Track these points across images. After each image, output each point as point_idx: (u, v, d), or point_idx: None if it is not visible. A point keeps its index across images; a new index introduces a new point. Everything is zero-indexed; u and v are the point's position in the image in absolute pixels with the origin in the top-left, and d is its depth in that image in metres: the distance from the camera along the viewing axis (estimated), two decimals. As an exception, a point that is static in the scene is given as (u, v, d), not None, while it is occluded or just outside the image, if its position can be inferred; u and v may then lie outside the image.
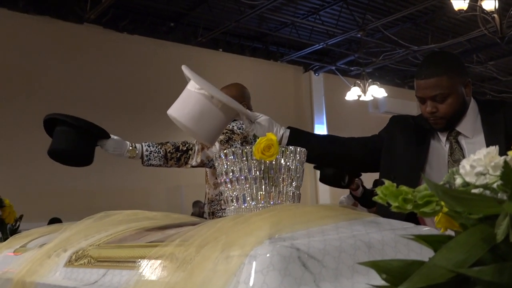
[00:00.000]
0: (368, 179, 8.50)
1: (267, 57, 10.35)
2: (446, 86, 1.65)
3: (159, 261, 0.92)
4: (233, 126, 2.46)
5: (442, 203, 0.57)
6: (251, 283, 0.73)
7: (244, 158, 1.06)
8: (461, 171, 0.54)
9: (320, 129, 10.88)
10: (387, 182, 0.60)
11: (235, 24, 8.58)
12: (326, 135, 1.95)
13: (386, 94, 9.91)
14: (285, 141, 1.76)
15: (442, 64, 1.70)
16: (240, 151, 1.06)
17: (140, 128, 8.34)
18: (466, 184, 0.52)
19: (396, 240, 0.93)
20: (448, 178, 0.53)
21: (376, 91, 9.43)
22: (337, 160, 1.99)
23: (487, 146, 1.66)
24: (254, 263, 0.75)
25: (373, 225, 0.98)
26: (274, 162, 1.06)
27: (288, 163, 1.08)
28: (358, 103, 10.45)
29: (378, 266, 0.57)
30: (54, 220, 6.35)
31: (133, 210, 1.54)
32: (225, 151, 1.08)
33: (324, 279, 0.76)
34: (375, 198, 0.60)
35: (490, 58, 10.78)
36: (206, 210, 2.67)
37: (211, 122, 1.67)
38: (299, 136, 1.81)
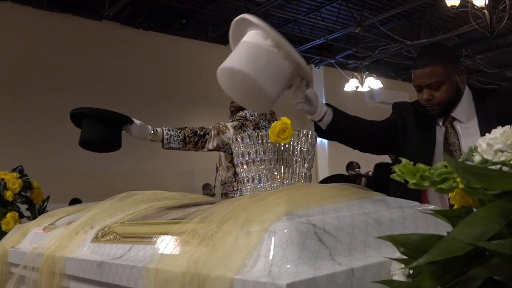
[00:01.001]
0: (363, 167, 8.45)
1: (272, 51, 10.27)
2: (441, 74, 1.64)
3: (181, 237, 0.90)
4: (246, 113, 2.46)
5: (458, 180, 0.55)
6: (271, 257, 0.71)
7: (260, 141, 1.03)
8: (478, 149, 0.52)
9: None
10: (404, 160, 0.58)
11: (242, 20, 8.50)
12: (355, 116, 1.83)
13: (381, 86, 9.86)
14: (329, 117, 1.65)
15: (437, 54, 1.69)
16: (256, 134, 1.04)
17: (154, 117, 8.33)
18: (485, 161, 0.49)
19: (404, 217, 0.91)
20: (467, 155, 0.51)
21: (373, 83, 9.38)
22: (366, 140, 1.84)
23: (481, 131, 1.63)
24: (273, 238, 0.73)
25: (382, 203, 0.95)
26: (287, 145, 1.04)
27: (300, 146, 1.06)
28: (355, 93, 10.39)
29: (397, 240, 0.55)
30: (75, 200, 6.41)
31: (154, 190, 1.53)
32: (241, 135, 1.06)
33: (339, 253, 0.74)
34: (393, 176, 0.58)
35: (478, 52, 10.68)
36: (218, 192, 2.68)
37: (282, 82, 1.35)
38: (340, 114, 1.73)
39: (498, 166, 0.50)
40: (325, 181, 4.58)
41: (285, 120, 0.99)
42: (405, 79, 12.53)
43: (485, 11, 5.18)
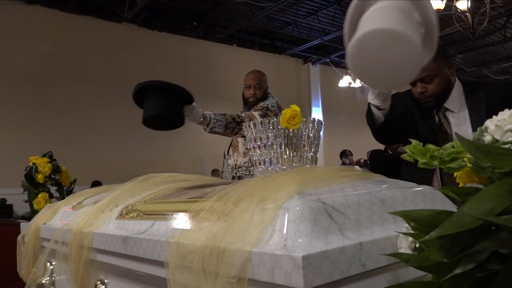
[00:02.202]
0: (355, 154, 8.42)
1: (273, 51, 10.22)
2: (432, 68, 1.61)
3: (200, 214, 0.87)
4: (267, 104, 2.46)
5: (466, 159, 0.52)
6: (285, 231, 0.68)
7: (271, 127, 1.01)
8: (488, 130, 0.49)
9: (316, 111, 10.81)
10: (414, 141, 0.55)
11: (247, 23, 8.46)
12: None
13: (372, 82, 9.78)
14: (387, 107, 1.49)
15: None
16: (268, 121, 1.01)
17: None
18: (495, 141, 0.46)
19: (404, 197, 0.88)
20: (477, 136, 0.48)
21: (364, 79, 9.30)
22: (401, 131, 1.60)
23: (471, 120, 1.59)
24: (287, 214, 0.70)
25: (383, 184, 0.93)
26: (296, 131, 1.01)
27: (308, 132, 1.03)
28: (348, 89, 10.35)
29: (408, 215, 0.52)
30: (96, 183, 6.45)
31: (171, 173, 1.50)
32: (254, 121, 1.03)
33: (347, 228, 0.71)
34: (404, 156, 0.55)
35: (459, 52, 10.59)
36: (229, 175, 2.65)
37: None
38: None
39: (507, 146, 0.47)
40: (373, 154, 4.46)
41: (295, 107, 0.97)
42: (393, 76, 12.44)
43: (468, 14, 5.11)
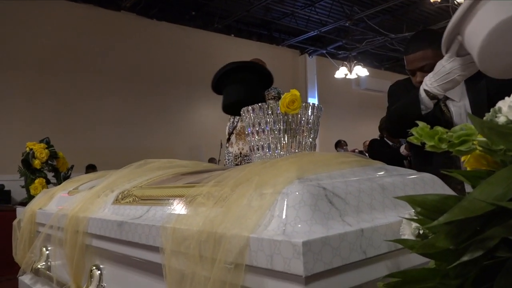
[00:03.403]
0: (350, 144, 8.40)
1: (271, 41, 10.14)
2: (432, 57, 1.57)
3: (197, 199, 0.84)
4: (278, 91, 2.43)
5: (476, 142, 0.48)
6: (284, 216, 0.65)
7: (270, 112, 0.97)
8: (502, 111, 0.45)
9: (313, 102, 10.77)
10: (420, 123, 0.51)
11: (245, 13, 8.38)
12: None
13: (368, 74, 9.76)
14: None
15: (426, 39, 1.61)
16: (266, 106, 0.97)
17: (166, 99, 8.24)
18: (510, 122, 0.43)
19: (404, 184, 0.85)
20: (491, 116, 0.45)
21: (360, 71, 9.28)
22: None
23: (472, 109, 1.55)
24: (286, 199, 0.67)
25: (383, 170, 0.90)
26: (295, 116, 0.98)
27: (307, 117, 1.00)
28: (344, 80, 10.30)
29: (414, 200, 0.49)
30: (90, 166, 6.42)
31: (168, 159, 1.47)
32: (253, 106, 0.99)
33: (347, 214, 0.68)
34: (410, 139, 0.52)
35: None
36: (230, 164, 2.60)
37: None
38: None
39: (521, 128, 0.44)
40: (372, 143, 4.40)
41: (295, 92, 0.93)
42: (388, 68, 12.40)
43: (464, 6, 5.05)
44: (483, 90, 1.46)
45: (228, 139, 2.75)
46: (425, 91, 1.42)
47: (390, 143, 4.19)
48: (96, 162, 6.64)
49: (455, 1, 5.04)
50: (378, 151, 4.08)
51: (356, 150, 7.23)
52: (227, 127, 2.78)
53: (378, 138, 4.39)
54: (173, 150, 8.06)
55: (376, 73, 12.02)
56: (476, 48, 1.05)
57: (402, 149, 3.95)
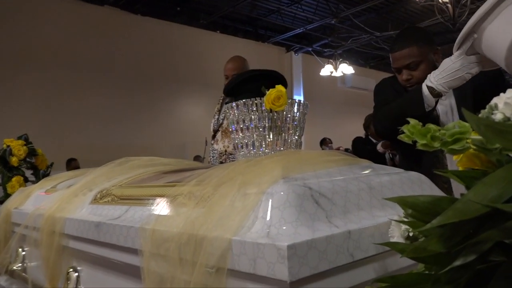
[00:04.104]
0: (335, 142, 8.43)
1: (257, 38, 10.10)
2: (418, 54, 1.56)
3: (178, 199, 0.80)
4: None
5: (469, 140, 0.46)
6: (268, 218, 0.62)
7: (254, 108, 0.94)
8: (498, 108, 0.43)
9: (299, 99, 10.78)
10: (412, 121, 0.49)
11: (231, 9, 8.32)
12: None
13: (353, 71, 9.80)
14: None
15: (412, 36, 1.60)
16: (251, 102, 0.94)
17: (151, 95, 8.14)
18: (507, 119, 0.41)
19: (392, 183, 0.83)
20: (487, 113, 0.42)
21: (346, 69, 9.31)
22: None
23: (457, 108, 1.55)
24: (271, 200, 0.64)
25: (370, 169, 0.87)
26: (281, 113, 0.95)
27: (293, 114, 0.97)
28: (329, 78, 10.33)
29: (405, 202, 0.47)
30: (71, 160, 6.31)
31: (150, 156, 1.43)
32: (237, 102, 0.96)
33: (334, 215, 0.66)
34: (400, 137, 0.49)
35: (437, 44, 10.61)
36: (215, 161, 2.56)
37: None
38: None
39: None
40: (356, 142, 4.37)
41: (280, 88, 0.90)
42: (373, 67, 12.48)
43: (449, 5, 5.09)
44: (469, 88, 1.46)
45: (214, 136, 2.71)
46: (429, 88, 1.39)
47: (374, 141, 4.20)
48: (79, 159, 6.52)
49: (439, 0, 5.09)
50: (360, 149, 4.09)
51: (341, 148, 7.25)
52: (212, 124, 2.74)
53: (363, 137, 4.40)
54: (158, 147, 7.97)
55: (362, 71, 12.08)
56: (507, 43, 1.06)
57: (379, 147, 3.96)
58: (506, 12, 1.10)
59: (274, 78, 1.69)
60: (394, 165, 3.87)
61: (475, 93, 1.51)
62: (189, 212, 0.73)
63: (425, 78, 1.55)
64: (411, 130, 0.47)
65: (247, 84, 1.61)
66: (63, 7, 7.34)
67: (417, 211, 0.46)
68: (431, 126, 0.47)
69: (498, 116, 0.40)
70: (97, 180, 1.24)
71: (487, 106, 0.42)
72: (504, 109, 0.42)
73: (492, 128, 0.38)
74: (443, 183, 1.49)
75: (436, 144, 0.46)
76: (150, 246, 0.75)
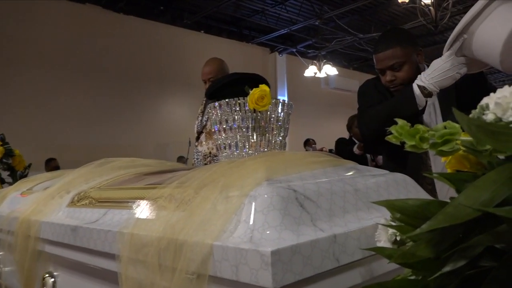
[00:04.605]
0: (319, 142, 8.46)
1: (241, 39, 10.07)
2: (401, 55, 1.55)
3: (158, 202, 0.78)
4: None
5: (459, 142, 0.45)
6: (251, 222, 0.60)
7: (237, 108, 0.91)
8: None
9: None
10: (400, 121, 0.47)
11: (215, 9, 8.27)
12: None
13: (337, 73, 9.85)
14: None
15: (395, 37, 1.60)
16: (234, 102, 0.92)
17: (135, 96, 8.04)
18: (499, 120, 0.39)
19: (377, 185, 0.81)
20: (478, 114, 0.41)
21: (329, 70, 9.35)
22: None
23: (441, 109, 1.55)
24: (254, 203, 0.62)
25: (355, 171, 0.86)
26: (264, 113, 0.93)
27: (277, 114, 0.95)
28: (313, 79, 10.37)
29: (393, 205, 0.45)
30: (50, 159, 6.17)
31: (131, 157, 1.39)
32: (220, 102, 0.93)
33: (320, 219, 0.64)
34: (388, 138, 0.47)
35: (420, 46, 10.75)
36: (199, 163, 2.52)
37: None
38: None
39: None
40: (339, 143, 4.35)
41: (264, 87, 0.88)
42: (356, 68, 12.56)
43: (431, 7, 5.15)
44: (452, 89, 1.46)
45: (198, 138, 2.68)
46: (420, 88, 1.41)
47: (357, 142, 4.21)
48: (60, 160, 6.38)
49: (422, 2, 5.14)
50: (342, 150, 4.10)
51: (324, 149, 7.28)
52: (195, 126, 2.71)
53: (347, 138, 4.41)
54: (141, 147, 7.86)
55: (345, 72, 12.15)
56: (503, 39, 1.13)
57: (355, 149, 3.98)
58: (498, 12, 1.17)
59: (256, 82, 1.65)
60: (376, 166, 3.90)
61: (458, 94, 1.52)
62: (169, 215, 0.70)
63: (408, 78, 1.54)
64: (399, 131, 0.46)
65: (229, 88, 1.57)
66: (43, 4, 7.18)
67: (406, 215, 0.44)
68: (420, 127, 0.45)
69: (489, 117, 0.39)
70: (75, 182, 1.20)
71: (478, 106, 0.41)
72: (495, 109, 0.40)
73: (483, 129, 0.37)
74: (427, 185, 1.48)
75: (425, 146, 0.45)
76: (128, 251, 0.72)
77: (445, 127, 0.45)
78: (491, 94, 0.44)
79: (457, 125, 0.44)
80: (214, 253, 0.57)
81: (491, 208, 0.38)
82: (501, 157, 0.42)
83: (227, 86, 1.52)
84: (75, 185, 1.18)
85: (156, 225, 0.70)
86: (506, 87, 0.44)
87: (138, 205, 0.82)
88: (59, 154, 6.54)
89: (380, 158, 3.92)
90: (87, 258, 0.88)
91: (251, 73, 1.38)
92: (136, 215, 0.79)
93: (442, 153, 0.44)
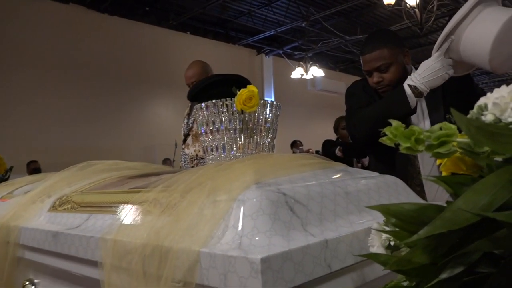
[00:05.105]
0: (306, 144, 8.47)
1: (227, 40, 10.04)
2: (388, 56, 1.55)
3: (142, 206, 0.75)
4: None
5: (455, 143, 0.43)
6: (240, 227, 0.58)
7: (225, 110, 0.89)
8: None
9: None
10: (395, 122, 0.45)
11: (201, 11, 8.23)
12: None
13: (323, 74, 9.89)
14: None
15: (382, 39, 1.59)
16: (221, 103, 0.89)
17: (118, 95, 7.95)
18: (498, 121, 0.37)
19: (368, 187, 0.80)
20: (476, 114, 0.39)
21: (316, 71, 9.38)
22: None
23: (428, 110, 1.55)
24: (242, 207, 0.60)
25: (346, 173, 0.84)
26: (252, 114, 0.91)
27: (265, 116, 0.93)
28: (300, 81, 10.39)
29: (388, 210, 0.43)
30: (31, 162, 6.05)
31: (115, 160, 1.35)
32: (206, 103, 0.91)
33: (310, 223, 0.62)
34: (382, 139, 0.46)
35: (405, 48, 10.86)
36: (186, 166, 2.48)
37: None
38: None
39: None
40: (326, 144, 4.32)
41: (252, 88, 0.86)
42: (342, 70, 12.63)
43: (417, 10, 5.19)
44: (438, 90, 1.46)
45: (184, 141, 2.64)
46: (411, 87, 1.41)
47: (344, 143, 4.21)
48: (42, 163, 6.26)
49: (407, 5, 5.18)
50: (328, 151, 4.10)
51: (311, 150, 7.29)
52: (182, 128, 2.67)
53: (333, 139, 4.41)
54: (126, 150, 7.76)
55: (331, 74, 12.21)
56: (491, 39, 1.18)
57: (337, 151, 3.98)
58: (486, 13, 1.23)
59: (239, 83, 1.62)
60: (362, 167, 3.90)
61: (445, 95, 1.52)
62: (154, 221, 0.68)
63: (395, 80, 1.54)
64: (393, 133, 0.44)
65: (211, 90, 1.54)
66: (26, 3, 7.06)
67: (401, 220, 0.42)
68: (415, 128, 0.43)
69: (488, 117, 0.37)
70: (56, 186, 1.16)
71: (476, 107, 0.39)
72: (493, 110, 0.39)
73: (483, 130, 0.35)
74: (415, 186, 1.48)
75: (421, 147, 0.43)
76: (111, 258, 0.69)
77: (441, 128, 0.43)
78: (488, 94, 0.43)
79: (453, 126, 0.43)
80: (201, 260, 0.55)
81: (491, 213, 0.37)
82: (499, 159, 0.40)
83: (211, 87, 1.49)
84: (56, 189, 1.14)
85: (141, 231, 0.67)
86: (503, 86, 0.43)
87: (122, 210, 0.79)
88: (41, 157, 6.41)
89: (365, 159, 3.94)
90: (69, 265, 0.84)
91: (234, 74, 1.36)
92: (120, 221, 0.76)
93: (439, 155, 0.42)
